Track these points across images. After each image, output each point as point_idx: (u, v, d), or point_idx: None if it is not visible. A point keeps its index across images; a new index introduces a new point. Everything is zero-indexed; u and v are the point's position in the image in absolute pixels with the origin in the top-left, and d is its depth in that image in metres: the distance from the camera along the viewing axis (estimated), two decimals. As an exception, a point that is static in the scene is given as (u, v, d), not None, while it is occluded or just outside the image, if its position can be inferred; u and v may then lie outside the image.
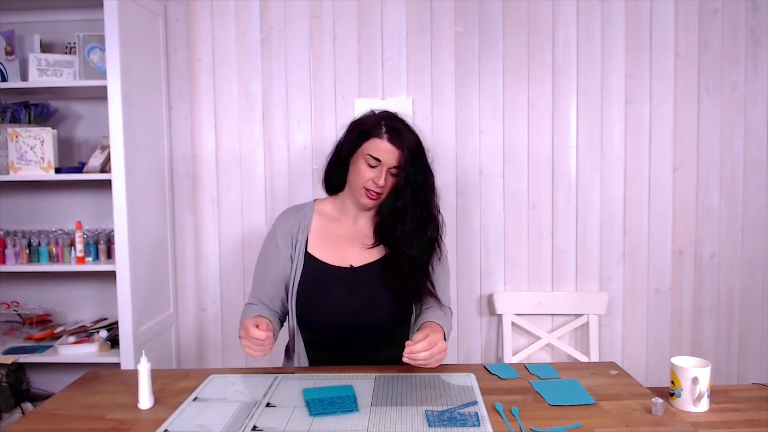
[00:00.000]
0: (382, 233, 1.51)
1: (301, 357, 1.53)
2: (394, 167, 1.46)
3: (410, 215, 1.46)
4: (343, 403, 1.18)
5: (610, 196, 2.31)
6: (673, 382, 1.23)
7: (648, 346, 2.34)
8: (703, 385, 1.20)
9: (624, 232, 2.32)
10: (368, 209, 1.54)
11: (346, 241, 1.54)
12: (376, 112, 1.53)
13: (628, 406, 1.18)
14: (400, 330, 1.51)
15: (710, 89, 2.27)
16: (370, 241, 1.52)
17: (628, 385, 1.31)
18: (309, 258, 1.51)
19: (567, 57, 2.27)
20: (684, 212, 2.31)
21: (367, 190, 1.46)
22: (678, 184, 2.30)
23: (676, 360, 1.25)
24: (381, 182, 1.44)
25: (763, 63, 2.26)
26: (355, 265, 1.50)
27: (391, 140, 1.45)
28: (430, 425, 1.09)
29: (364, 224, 1.56)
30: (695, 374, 1.20)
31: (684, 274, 2.33)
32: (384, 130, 1.45)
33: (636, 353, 2.34)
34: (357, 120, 1.54)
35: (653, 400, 1.15)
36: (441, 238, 1.54)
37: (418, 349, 1.22)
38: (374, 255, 1.52)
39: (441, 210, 1.54)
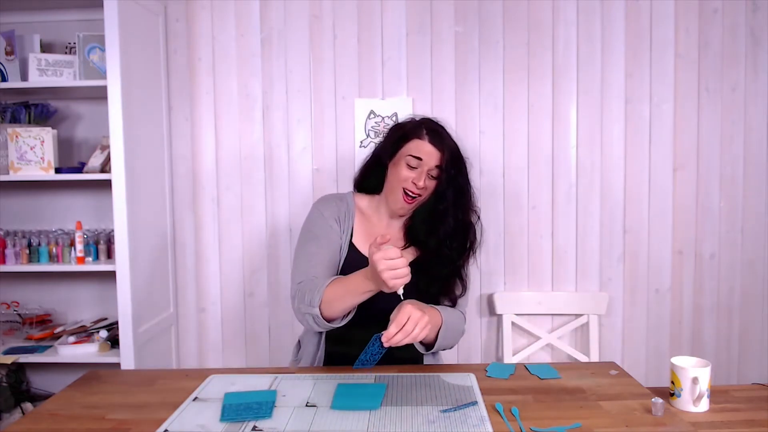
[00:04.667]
0: (413, 235, 1.53)
1: (311, 348, 1.53)
2: (434, 167, 1.48)
3: (452, 216, 1.49)
4: (259, 408, 1.16)
5: (610, 196, 2.31)
6: (673, 382, 1.23)
7: (648, 346, 2.34)
8: (703, 385, 1.20)
9: (624, 232, 2.32)
10: (401, 216, 1.56)
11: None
12: (417, 118, 1.57)
13: (628, 406, 1.18)
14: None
15: (710, 89, 2.27)
16: (401, 244, 1.54)
17: (628, 385, 1.31)
18: (353, 249, 1.53)
19: (567, 57, 2.27)
20: (684, 212, 2.31)
21: (405, 192, 1.49)
22: (678, 184, 2.30)
23: (676, 360, 1.25)
24: (421, 183, 1.47)
25: (763, 63, 2.26)
26: None
27: (432, 141, 1.49)
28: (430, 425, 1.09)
29: (395, 231, 1.58)
30: (695, 374, 1.20)
31: (684, 274, 2.33)
32: (425, 131, 1.50)
33: (636, 353, 2.34)
34: (397, 124, 1.60)
35: (653, 400, 1.15)
36: (478, 245, 1.57)
37: (391, 333, 1.19)
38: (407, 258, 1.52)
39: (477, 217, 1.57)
